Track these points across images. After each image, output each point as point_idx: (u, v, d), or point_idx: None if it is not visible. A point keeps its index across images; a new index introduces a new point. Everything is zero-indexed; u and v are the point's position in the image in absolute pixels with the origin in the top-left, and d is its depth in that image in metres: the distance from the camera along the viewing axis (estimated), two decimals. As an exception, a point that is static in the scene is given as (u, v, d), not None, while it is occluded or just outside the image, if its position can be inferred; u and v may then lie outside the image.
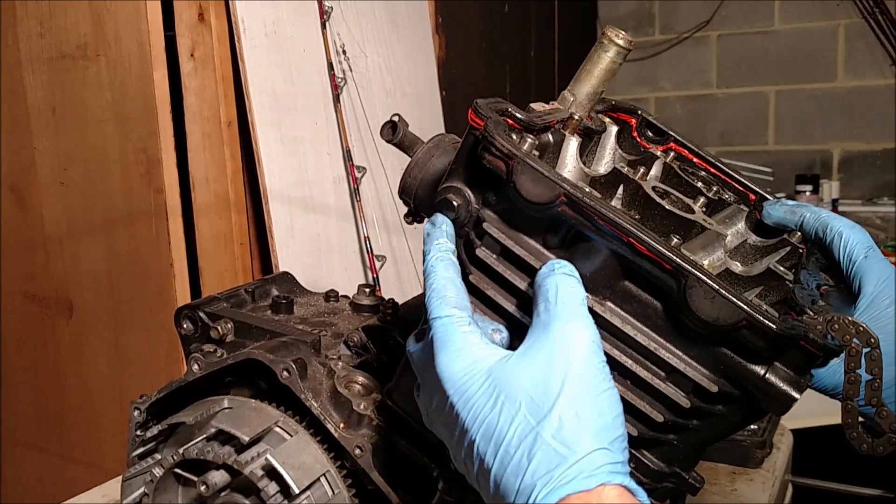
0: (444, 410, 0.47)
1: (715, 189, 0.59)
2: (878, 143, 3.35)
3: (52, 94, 1.97)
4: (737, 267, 0.51)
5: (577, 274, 0.47)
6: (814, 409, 1.80)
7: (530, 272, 0.48)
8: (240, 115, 1.93)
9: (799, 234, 0.58)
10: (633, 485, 0.41)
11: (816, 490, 2.59)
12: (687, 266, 0.43)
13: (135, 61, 1.83)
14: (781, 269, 0.52)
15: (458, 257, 0.51)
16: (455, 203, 0.49)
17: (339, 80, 2.06)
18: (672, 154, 0.62)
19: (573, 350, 0.43)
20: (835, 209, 3.19)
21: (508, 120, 0.50)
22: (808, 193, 3.05)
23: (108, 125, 1.89)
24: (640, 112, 0.67)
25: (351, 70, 2.13)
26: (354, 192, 2.07)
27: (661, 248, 0.43)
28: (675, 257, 0.43)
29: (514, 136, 0.50)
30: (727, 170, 0.65)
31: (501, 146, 0.46)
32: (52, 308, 2.07)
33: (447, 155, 0.57)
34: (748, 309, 0.42)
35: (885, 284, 0.54)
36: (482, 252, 0.49)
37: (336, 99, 2.07)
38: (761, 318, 0.42)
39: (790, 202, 0.60)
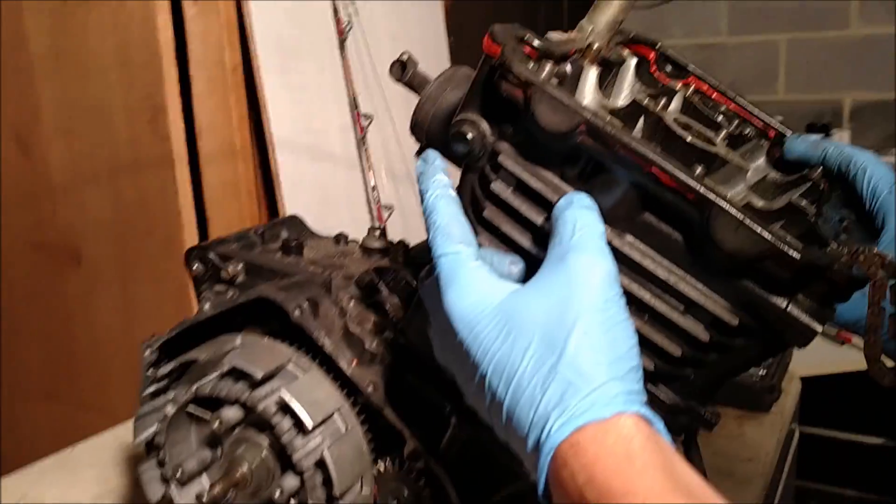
0: (455, 347, 0.46)
1: (736, 123, 0.58)
2: (891, 92, 3.29)
3: (55, 40, 1.94)
4: (758, 201, 0.50)
5: (595, 207, 0.46)
6: (823, 358, 1.81)
7: (547, 206, 0.47)
8: (244, 62, 1.90)
9: (820, 169, 0.57)
10: (649, 413, 0.40)
11: (822, 438, 2.62)
12: (712, 196, 0.42)
13: (137, 6, 1.79)
14: (803, 203, 0.51)
15: (472, 192, 0.50)
16: (469, 135, 0.48)
17: (345, 24, 2.02)
18: (692, 88, 0.60)
19: (589, 281, 0.42)
20: (846, 160, 3.16)
21: (526, 48, 0.49)
22: (819, 143, 3.01)
23: (111, 72, 1.87)
24: (658, 45, 0.65)
25: (357, 14, 2.08)
26: (361, 141, 2.05)
27: (684, 177, 0.42)
28: (699, 187, 0.42)
29: (532, 64, 0.48)
30: (747, 106, 0.64)
31: (519, 73, 0.44)
32: (60, 257, 2.07)
33: (461, 87, 0.55)
34: (773, 238, 0.41)
35: None
36: (497, 186, 0.48)
37: (342, 45, 2.03)
38: (786, 248, 0.41)
39: (812, 136, 0.59)
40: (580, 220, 0.45)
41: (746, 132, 0.59)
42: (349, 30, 2.03)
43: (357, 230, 0.86)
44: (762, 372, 1.22)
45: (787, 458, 1.32)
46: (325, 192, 2.00)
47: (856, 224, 0.55)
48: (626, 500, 0.37)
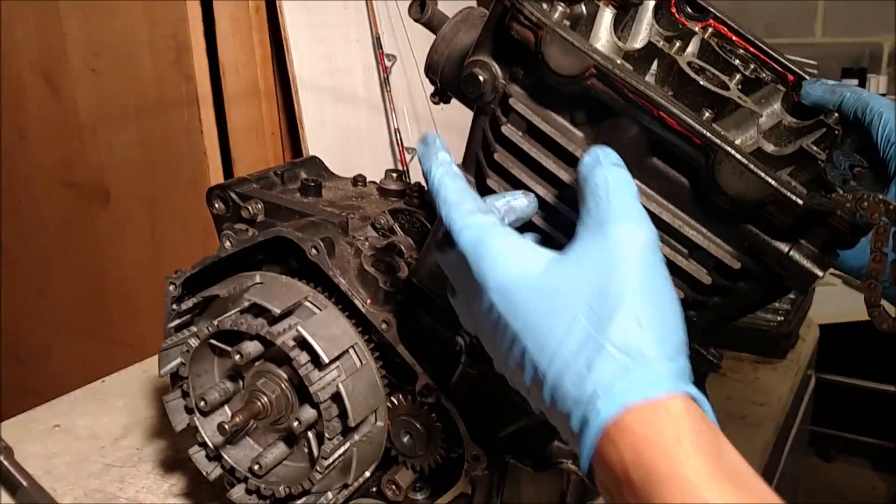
0: (490, 319, 0.45)
1: (752, 67, 0.57)
2: (933, 36, 3.19)
3: (81, -23, 1.94)
4: (769, 146, 0.50)
5: (623, 163, 0.44)
6: (843, 306, 1.81)
7: (556, 150, 0.48)
8: (268, 2, 1.89)
9: (836, 115, 0.57)
10: (697, 393, 0.40)
11: (841, 385, 2.63)
12: (717, 140, 0.42)
13: (160, -57, 1.78)
14: (815, 149, 0.51)
15: (484, 135, 0.51)
16: (481, 78, 0.48)
17: (369, -38, 1.99)
18: (711, 31, 0.60)
19: (631, 252, 0.41)
20: (881, 105, 3.08)
21: (539, -11, 0.48)
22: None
23: (136, 9, 1.87)
24: (679, -13, 0.64)
25: (381, -48, 2.05)
26: (384, 82, 2.04)
27: (691, 121, 0.42)
28: (705, 131, 0.42)
29: (545, 6, 0.48)
30: (767, 49, 0.63)
31: (530, 14, 0.44)
32: (89, 195, 2.11)
33: (475, 29, 0.55)
34: (776, 184, 0.41)
35: None
36: (507, 129, 0.49)
37: (366, -18, 2.01)
38: (788, 194, 0.41)
39: (830, 82, 0.58)
40: (612, 181, 0.43)
41: (763, 76, 0.58)
42: (373, -33, 2.00)
43: (379, 172, 0.86)
44: (779, 318, 1.22)
45: (802, 404, 1.33)
46: (347, 133, 2.01)
47: (868, 171, 0.55)
48: (673, 483, 0.36)
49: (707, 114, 0.47)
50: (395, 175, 0.83)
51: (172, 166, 1.96)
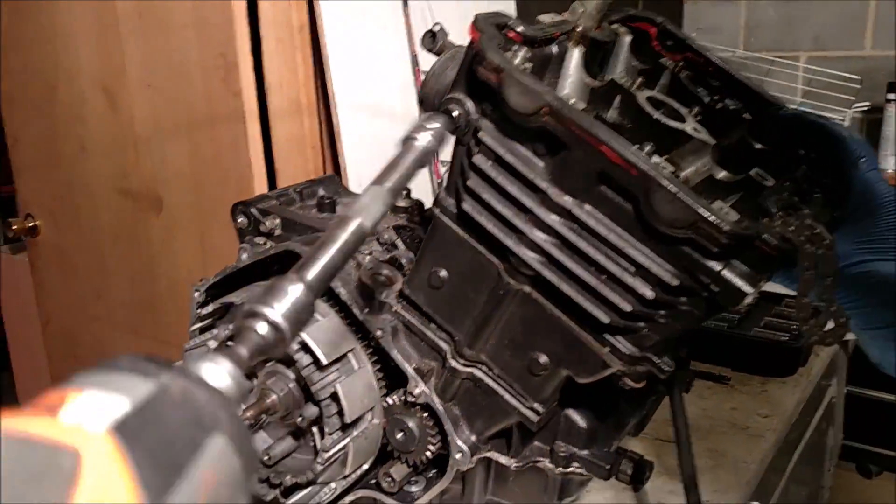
0: None
1: (715, 98, 0.62)
2: None
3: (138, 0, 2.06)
4: (720, 173, 0.55)
5: None
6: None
7: (520, 177, 0.53)
8: (311, 22, 1.98)
9: (798, 142, 0.61)
10: None
11: (874, 400, 2.58)
12: (650, 171, 0.47)
13: (212, -33, 1.88)
14: (762, 174, 0.56)
15: (461, 162, 0.57)
16: (455, 113, 0.54)
17: (409, -17, 2.07)
18: (681, 63, 0.64)
19: None
20: (928, 120, 3.02)
21: (510, 33, 0.54)
22: (898, 102, 2.88)
23: (189, 30, 1.98)
24: (660, 21, 0.69)
25: (421, -27, 2.13)
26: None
27: (628, 155, 0.47)
28: (640, 163, 0.47)
29: (515, 48, 0.54)
30: (740, 79, 0.67)
31: (492, 59, 0.50)
32: (143, 203, 2.23)
33: (458, 66, 0.61)
34: (702, 210, 0.46)
35: (870, 195, 0.57)
36: (478, 158, 0.55)
37: (405, 3, 2.09)
38: (713, 219, 0.46)
39: (793, 108, 0.63)
40: None
41: (728, 104, 0.63)
42: (413, -12, 2.08)
43: (415, 184, 0.92)
44: (785, 336, 1.25)
45: (814, 418, 1.35)
46: (385, 146, 2.07)
47: (821, 196, 0.59)
48: None
49: (647, 146, 0.52)
50: (403, 193, 0.89)
51: (220, 177, 2.06)
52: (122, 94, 2.18)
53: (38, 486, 0.20)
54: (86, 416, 0.22)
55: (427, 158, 0.50)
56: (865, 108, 3.01)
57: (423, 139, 0.49)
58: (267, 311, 0.33)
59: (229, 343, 0.75)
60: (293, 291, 0.34)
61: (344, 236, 0.40)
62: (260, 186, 2.01)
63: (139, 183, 2.22)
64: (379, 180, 0.45)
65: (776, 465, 1.12)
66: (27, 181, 2.36)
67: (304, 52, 2.04)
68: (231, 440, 0.26)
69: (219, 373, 0.29)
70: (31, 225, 2.33)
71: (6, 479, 0.20)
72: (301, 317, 0.34)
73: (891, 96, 2.94)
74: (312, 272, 0.37)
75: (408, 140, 0.49)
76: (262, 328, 0.33)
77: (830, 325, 0.49)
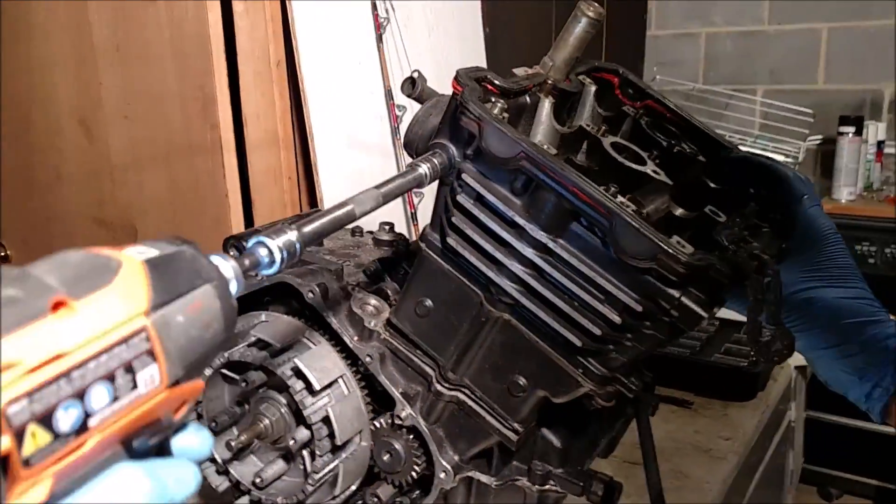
0: None
1: (672, 143, 0.69)
2: (933, 83, 3.28)
3: (116, 32, 2.09)
4: (678, 210, 0.61)
5: None
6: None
7: (499, 215, 0.59)
8: (288, 57, 2.04)
9: (749, 181, 0.68)
10: None
11: (834, 424, 2.66)
12: (615, 208, 0.53)
13: (191, 3, 1.93)
14: (715, 211, 0.62)
15: (445, 201, 0.62)
16: (436, 160, 0.60)
17: (383, 19, 2.14)
18: (641, 111, 0.71)
19: None
20: (880, 151, 3.16)
21: (488, 85, 0.60)
22: (850, 135, 3.02)
23: (167, 62, 2.02)
24: (621, 72, 0.76)
25: (394, 9, 2.20)
26: (395, 131, 2.17)
27: (595, 194, 0.53)
28: (606, 202, 0.53)
29: (493, 100, 0.60)
30: (695, 122, 0.74)
31: (473, 110, 0.56)
32: (119, 233, 2.25)
33: (441, 114, 0.67)
34: (662, 244, 0.52)
35: (813, 228, 0.64)
36: (462, 198, 0.60)
37: (379, 38, 2.16)
38: (672, 252, 0.52)
39: (744, 151, 0.70)
40: None
41: (684, 147, 0.70)
42: (386, 24, 2.15)
43: (390, 214, 0.97)
44: (744, 362, 1.31)
45: (773, 441, 1.41)
46: (360, 178, 2.14)
47: (769, 231, 0.66)
48: None
49: (612, 188, 0.58)
50: (387, 227, 0.94)
51: (197, 207, 2.09)
52: (99, 125, 2.20)
53: (93, 270, 0.34)
54: (130, 252, 0.37)
55: (421, 183, 0.59)
56: (819, 141, 3.14)
57: (423, 168, 0.57)
58: (268, 241, 0.46)
59: (224, 371, 0.79)
60: (290, 235, 0.48)
61: (337, 213, 0.53)
62: (236, 217, 2.04)
63: (115, 213, 2.24)
64: (377, 186, 0.56)
65: (737, 486, 1.18)
66: (5, 208, 2.37)
67: (281, 85, 2.09)
68: (216, 292, 0.39)
69: (223, 262, 0.41)
70: (1, 255, 2.33)
71: (77, 264, 0.34)
72: (291, 252, 0.47)
73: (843, 129, 3.08)
74: (306, 228, 0.50)
75: (411, 165, 0.59)
76: (262, 251, 0.45)
77: (778, 345, 0.55)
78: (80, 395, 0.32)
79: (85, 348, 0.32)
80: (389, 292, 0.81)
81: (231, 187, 2.05)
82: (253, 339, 0.78)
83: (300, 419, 0.76)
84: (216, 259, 0.40)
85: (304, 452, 0.78)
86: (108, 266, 0.35)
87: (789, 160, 2.81)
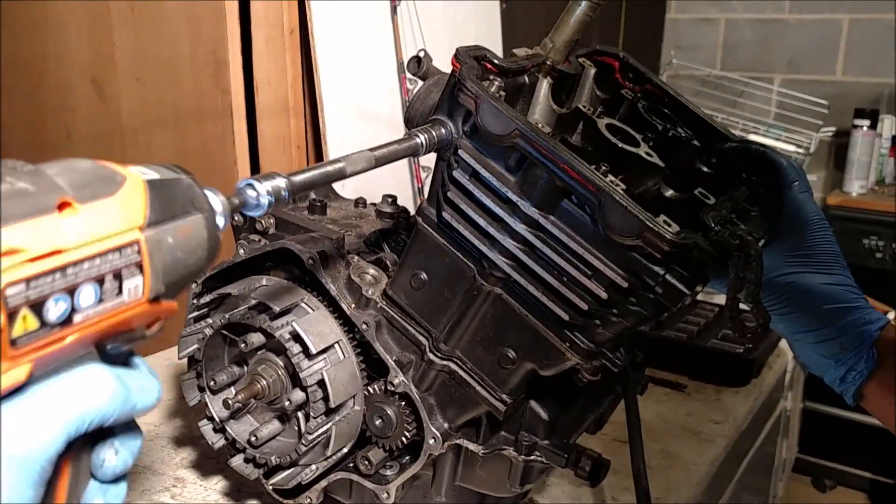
0: None
1: (667, 126, 0.70)
2: (950, 77, 3.25)
3: (131, -8, 2.10)
4: (668, 191, 0.63)
5: None
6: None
7: (493, 190, 0.61)
8: (301, 25, 2.04)
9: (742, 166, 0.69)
10: None
11: (830, 416, 2.68)
12: (604, 186, 0.55)
13: (206, -35, 1.93)
14: (705, 194, 0.63)
15: (442, 176, 0.64)
16: (434, 134, 0.61)
17: (398, -9, 2.13)
18: (638, 95, 0.72)
19: None
20: (893, 146, 3.14)
21: (487, 64, 0.62)
22: (865, 128, 3.00)
23: (181, 26, 2.03)
24: (622, 56, 0.77)
25: (410, -18, 2.19)
26: (405, 104, 2.18)
27: (586, 172, 0.55)
28: (596, 180, 0.55)
29: (491, 78, 0.61)
30: (692, 108, 0.75)
31: (470, 87, 0.57)
32: (128, 195, 2.27)
33: (441, 91, 0.69)
34: (648, 222, 0.54)
35: (801, 214, 0.65)
36: (457, 173, 0.62)
37: (393, 10, 2.15)
38: (657, 230, 0.54)
39: (740, 138, 0.71)
40: None
41: (679, 132, 0.71)
42: (402, -3, 2.15)
43: (396, 187, 0.99)
44: (740, 349, 1.33)
45: (765, 428, 1.43)
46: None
47: (758, 214, 0.67)
48: None
49: (604, 167, 0.59)
50: (389, 200, 0.96)
51: (205, 172, 2.10)
52: (111, 85, 2.22)
53: (99, 180, 0.37)
54: (134, 170, 0.39)
55: (416, 152, 0.61)
56: (833, 133, 3.13)
57: (420, 138, 0.59)
58: (257, 185, 0.48)
59: (224, 332, 0.82)
60: (278, 181, 0.50)
61: (327, 168, 0.56)
62: (245, 183, 2.06)
63: (124, 175, 2.25)
64: (372, 149, 0.59)
65: (725, 470, 1.19)
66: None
67: (294, 52, 2.10)
68: (205, 222, 0.42)
69: (214, 197, 0.43)
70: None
71: (86, 171, 0.36)
72: (278, 197, 0.49)
73: (857, 122, 3.06)
74: (297, 177, 0.52)
75: (409, 134, 0.61)
76: (251, 193, 0.48)
77: (754, 323, 0.57)
78: (71, 291, 0.35)
79: (82, 249, 0.35)
80: (388, 263, 0.83)
81: (240, 153, 2.07)
82: (254, 301, 0.80)
83: (296, 381, 0.79)
84: (209, 193, 0.43)
85: (299, 414, 0.81)
86: (114, 178, 0.37)
87: (801, 151, 2.80)
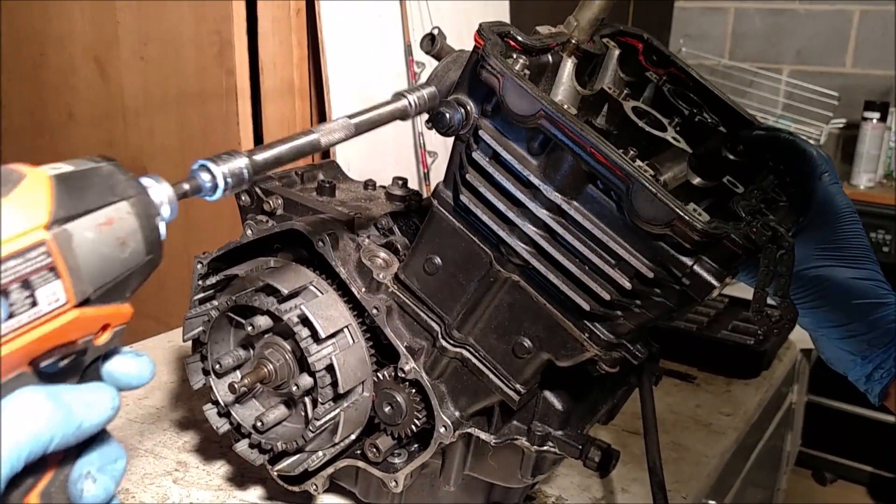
0: None
1: (693, 111, 0.67)
2: (961, 71, 3.21)
3: (135, -31, 2.07)
4: (695, 179, 0.60)
5: None
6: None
7: (514, 174, 0.58)
8: (308, 6, 2.01)
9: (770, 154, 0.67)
10: None
11: (833, 410, 2.67)
12: (633, 172, 0.52)
13: (210, -57, 1.90)
14: (733, 182, 0.61)
15: (460, 158, 0.62)
16: (447, 116, 0.59)
17: (406, -27, 2.10)
18: (664, 78, 0.70)
19: None
20: (902, 139, 3.11)
21: (511, 41, 0.59)
22: (874, 121, 2.97)
23: (185, 6, 2.00)
24: (646, 38, 0.74)
25: (418, -36, 2.16)
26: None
27: (614, 156, 0.53)
28: (625, 165, 0.52)
29: (514, 56, 0.59)
30: (718, 94, 0.73)
31: (494, 65, 0.55)
32: (129, 175, 2.24)
33: (461, 69, 0.66)
34: (678, 210, 0.52)
35: (831, 206, 0.63)
36: (477, 155, 0.59)
37: (402, -7, 2.12)
38: (687, 218, 0.51)
39: (768, 125, 0.69)
40: None
41: (705, 117, 0.68)
42: (410, -21, 2.12)
43: (402, 172, 0.97)
44: (751, 341, 1.31)
45: (773, 421, 1.41)
46: (374, 134, 2.10)
47: (786, 204, 0.65)
48: None
49: (632, 151, 0.57)
50: (400, 182, 0.94)
51: (208, 153, 2.05)
52: (114, 65, 2.19)
53: None
54: (43, 168, 0.35)
55: (405, 115, 0.57)
56: (842, 125, 3.10)
57: (410, 99, 0.56)
58: (212, 167, 0.43)
59: (230, 314, 0.80)
60: (238, 162, 0.45)
61: (299, 141, 0.50)
62: (248, 165, 2.03)
63: (125, 154, 2.23)
64: (351, 115, 0.54)
65: (733, 466, 1.18)
66: (11, 146, 2.37)
67: (300, 34, 2.07)
68: (133, 209, 0.37)
69: (154, 184, 0.40)
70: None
71: None
72: (237, 180, 0.45)
73: (867, 114, 3.03)
74: (260, 155, 0.47)
75: (397, 95, 0.55)
76: (205, 176, 0.43)
77: (781, 318, 0.55)
78: None
79: None
80: (399, 247, 0.81)
81: (244, 135, 2.04)
82: (261, 283, 0.78)
83: (304, 366, 0.77)
84: (146, 181, 0.39)
85: (307, 399, 0.79)
86: (9, 178, 0.33)
87: (811, 143, 2.78)
